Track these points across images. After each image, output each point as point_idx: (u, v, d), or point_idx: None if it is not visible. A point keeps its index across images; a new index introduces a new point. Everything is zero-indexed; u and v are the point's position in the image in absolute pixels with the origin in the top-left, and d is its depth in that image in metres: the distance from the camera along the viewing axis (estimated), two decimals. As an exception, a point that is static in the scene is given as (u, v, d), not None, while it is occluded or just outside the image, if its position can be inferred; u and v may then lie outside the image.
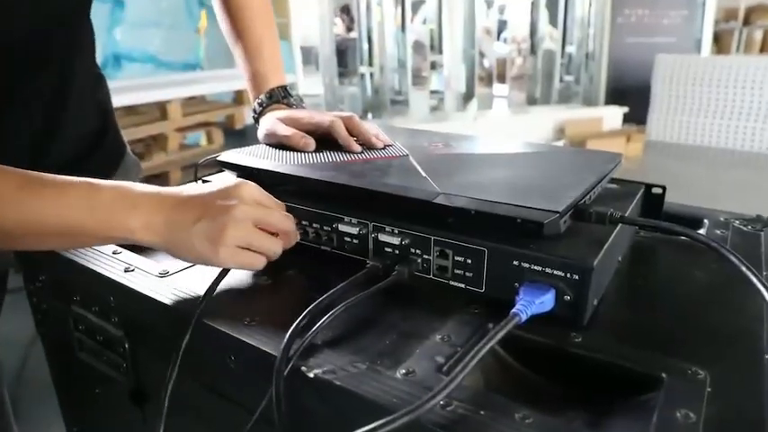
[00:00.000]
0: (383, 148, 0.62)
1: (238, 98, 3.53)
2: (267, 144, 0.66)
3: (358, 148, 0.62)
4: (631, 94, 3.95)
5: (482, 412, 0.33)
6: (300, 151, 0.61)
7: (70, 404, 0.68)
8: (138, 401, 0.53)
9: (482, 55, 4.42)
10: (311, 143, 0.62)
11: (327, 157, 0.59)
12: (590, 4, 4.16)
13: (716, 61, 3.54)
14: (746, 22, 4.55)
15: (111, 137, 0.78)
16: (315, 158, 0.59)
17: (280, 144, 0.64)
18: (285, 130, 0.64)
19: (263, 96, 0.74)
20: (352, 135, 0.63)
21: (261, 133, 0.69)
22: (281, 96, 0.74)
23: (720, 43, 4.56)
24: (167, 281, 0.49)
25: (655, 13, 4.11)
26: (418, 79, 4.19)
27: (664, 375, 0.35)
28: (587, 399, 0.37)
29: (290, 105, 0.74)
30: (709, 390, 0.34)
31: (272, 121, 0.67)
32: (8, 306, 0.73)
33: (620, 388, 0.37)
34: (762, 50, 4.61)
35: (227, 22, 0.78)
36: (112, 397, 0.57)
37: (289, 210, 0.52)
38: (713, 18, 4.18)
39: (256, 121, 0.74)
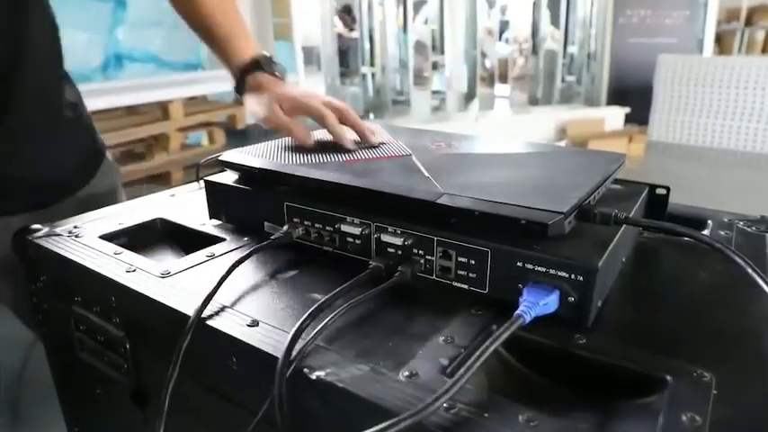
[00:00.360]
0: (386, 148, 0.62)
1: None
2: (262, 125, 0.66)
3: (351, 143, 0.62)
4: (633, 95, 3.96)
5: (486, 414, 0.32)
6: (301, 147, 0.62)
7: (71, 404, 0.68)
8: (138, 402, 0.53)
9: (484, 55, 4.43)
10: (310, 139, 0.63)
11: (330, 156, 0.59)
12: (592, 5, 4.16)
13: (718, 62, 3.54)
14: (748, 22, 4.55)
15: (85, 141, 0.76)
16: (317, 158, 0.59)
17: (276, 128, 0.64)
18: (287, 121, 0.64)
19: (244, 61, 0.70)
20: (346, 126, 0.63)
21: (252, 107, 0.66)
22: (265, 64, 0.70)
23: (722, 44, 4.56)
24: (169, 281, 0.49)
25: (657, 13, 4.11)
26: (420, 79, 4.20)
27: (669, 377, 0.35)
28: (591, 401, 0.37)
29: (274, 74, 0.71)
30: (714, 392, 0.34)
31: (270, 103, 0.65)
32: (9, 306, 0.73)
33: (625, 390, 0.37)
34: (764, 51, 4.61)
35: (184, 13, 0.77)
36: (113, 397, 0.57)
37: (291, 209, 0.52)
38: (715, 18, 4.18)
39: (239, 91, 0.71)
